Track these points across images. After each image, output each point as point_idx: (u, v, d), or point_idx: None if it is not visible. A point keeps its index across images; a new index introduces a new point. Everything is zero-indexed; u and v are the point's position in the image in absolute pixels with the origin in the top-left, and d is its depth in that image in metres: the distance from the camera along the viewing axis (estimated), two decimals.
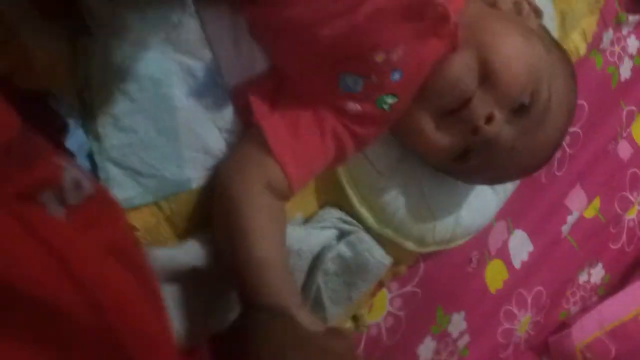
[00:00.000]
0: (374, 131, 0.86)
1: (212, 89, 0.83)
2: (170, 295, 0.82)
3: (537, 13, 0.91)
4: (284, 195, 0.83)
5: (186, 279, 0.83)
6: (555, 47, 0.91)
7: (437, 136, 0.85)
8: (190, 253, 0.83)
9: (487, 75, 0.81)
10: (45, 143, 0.54)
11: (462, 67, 0.81)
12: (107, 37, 0.73)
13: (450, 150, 0.86)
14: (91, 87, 0.76)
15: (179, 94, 0.80)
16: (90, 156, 0.77)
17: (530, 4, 0.92)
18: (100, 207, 0.56)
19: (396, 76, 0.80)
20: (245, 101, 0.83)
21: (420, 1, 0.77)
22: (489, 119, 0.82)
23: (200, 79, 0.82)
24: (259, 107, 0.83)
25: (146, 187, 0.81)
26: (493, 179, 0.99)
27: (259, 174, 0.81)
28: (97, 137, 0.77)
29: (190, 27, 0.80)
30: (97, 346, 0.47)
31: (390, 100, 0.82)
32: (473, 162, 0.88)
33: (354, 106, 0.82)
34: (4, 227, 0.45)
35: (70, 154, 0.75)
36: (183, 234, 0.84)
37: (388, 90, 0.81)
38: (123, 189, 0.79)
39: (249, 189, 0.80)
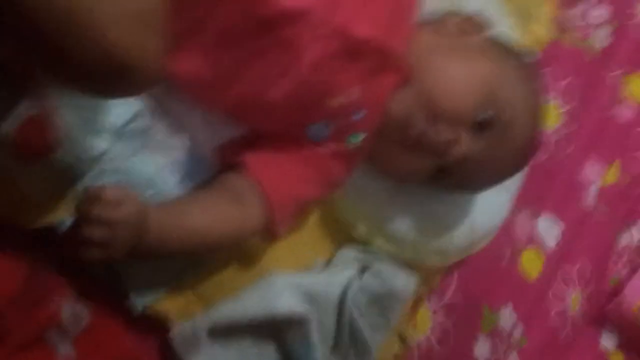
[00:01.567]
0: (352, 164, 0.93)
1: (198, 171, 0.92)
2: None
3: (483, 26, 0.97)
4: (255, 206, 0.87)
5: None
6: (509, 54, 0.96)
7: (408, 164, 0.92)
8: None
9: (433, 108, 0.87)
10: (49, 281, 0.63)
11: (407, 105, 0.87)
12: (91, 162, 0.83)
13: (425, 173, 0.92)
14: None
15: (172, 184, 0.89)
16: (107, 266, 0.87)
17: (475, 19, 0.97)
18: (100, 328, 0.65)
19: (359, 115, 0.87)
20: (222, 155, 0.91)
21: (354, 42, 0.82)
22: (452, 142, 0.88)
23: (186, 164, 0.91)
24: (234, 150, 0.90)
25: (169, 275, 0.91)
26: (480, 187, 1.03)
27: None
28: None
29: (159, 127, 0.89)
30: None
31: (359, 137, 0.89)
32: (452, 179, 0.93)
33: (327, 147, 0.90)
34: None
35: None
36: (212, 303, 0.93)
37: (355, 129, 0.89)
38: (146, 290, 0.89)
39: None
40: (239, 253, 0.95)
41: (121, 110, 0.83)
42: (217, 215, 0.85)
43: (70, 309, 0.62)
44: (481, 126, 0.90)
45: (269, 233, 0.91)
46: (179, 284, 0.91)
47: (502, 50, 0.96)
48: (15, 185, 0.78)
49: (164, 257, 0.88)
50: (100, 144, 0.82)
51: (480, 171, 0.95)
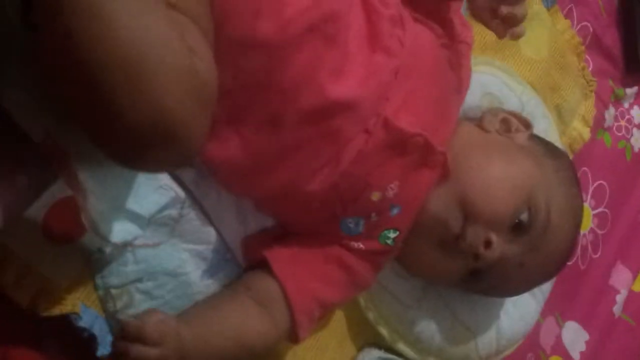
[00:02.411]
0: (381, 265, 0.90)
1: (224, 265, 0.88)
2: None
3: (526, 126, 0.95)
4: (280, 314, 0.85)
5: None
6: (551, 155, 0.94)
7: (441, 264, 0.89)
8: None
9: (470, 209, 0.84)
10: None
11: (443, 205, 0.85)
12: (117, 250, 0.79)
13: (457, 275, 0.89)
14: (112, 295, 0.81)
15: (195, 279, 0.85)
16: None
17: (517, 117, 0.96)
18: None
19: (395, 211, 0.84)
20: (247, 248, 0.88)
21: (399, 136, 0.80)
22: (488, 244, 0.85)
23: (211, 260, 0.87)
24: (260, 244, 0.87)
25: None
26: (514, 292, 1.00)
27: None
28: None
29: (191, 216, 0.85)
30: None
31: (392, 234, 0.86)
32: (486, 282, 0.90)
33: (357, 245, 0.86)
34: None
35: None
36: None
37: (389, 225, 0.85)
38: None
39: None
40: (258, 354, 0.89)
41: (152, 199, 0.80)
42: (246, 322, 0.83)
43: None
44: (518, 229, 0.87)
45: (292, 337, 0.87)
46: None
47: (543, 150, 0.95)
48: (39, 268, 0.74)
49: None
50: (129, 231, 0.78)
51: (515, 275, 0.91)
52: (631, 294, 1.31)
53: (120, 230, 0.78)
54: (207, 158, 0.78)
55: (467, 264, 0.88)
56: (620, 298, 1.29)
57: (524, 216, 0.87)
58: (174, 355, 0.74)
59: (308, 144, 0.77)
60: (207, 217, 0.87)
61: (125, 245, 0.80)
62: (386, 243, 0.87)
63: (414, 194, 0.84)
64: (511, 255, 0.88)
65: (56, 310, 0.76)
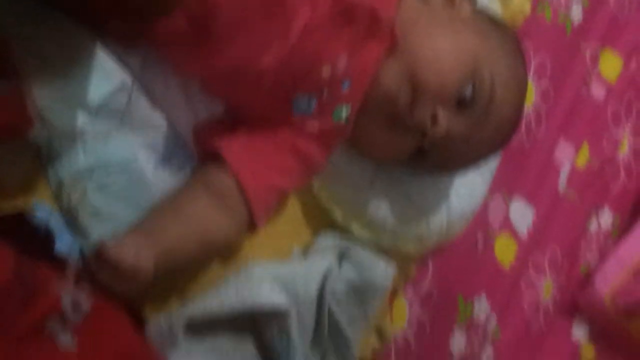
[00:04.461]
0: (332, 147, 0.93)
1: (176, 152, 0.90)
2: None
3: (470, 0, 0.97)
4: (238, 207, 0.87)
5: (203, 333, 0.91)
6: (495, 28, 0.96)
7: (391, 143, 0.92)
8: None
9: (418, 82, 0.87)
10: (40, 270, 0.60)
11: (392, 79, 0.87)
12: (67, 141, 0.79)
13: (406, 153, 0.93)
14: (65, 190, 0.82)
15: (147, 169, 0.87)
16: (82, 254, 0.83)
17: None
18: (100, 317, 0.62)
19: (346, 85, 0.86)
20: (198, 138, 0.90)
21: (346, 6, 0.83)
22: (434, 120, 0.88)
23: (163, 148, 0.89)
24: (212, 135, 0.89)
25: None
26: (461, 167, 1.04)
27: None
28: (83, 234, 0.83)
29: (140, 104, 0.86)
30: None
31: (344, 111, 0.89)
32: (434, 159, 0.94)
33: (311, 126, 0.89)
34: None
35: (62, 259, 0.82)
36: (188, 296, 0.91)
37: (341, 100, 0.88)
38: None
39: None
40: None
41: (99, 86, 0.81)
42: (209, 229, 0.86)
43: (70, 297, 0.59)
44: (463, 103, 0.90)
45: (250, 227, 0.90)
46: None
47: (488, 23, 0.97)
48: None
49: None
50: (77, 122, 0.79)
51: (461, 150, 0.95)
52: (574, 169, 1.36)
53: (68, 119, 0.78)
54: (155, 35, 0.78)
55: (415, 141, 0.91)
56: (564, 173, 1.34)
57: (469, 90, 0.89)
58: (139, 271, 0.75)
59: (254, 18, 0.79)
60: (156, 103, 0.87)
61: (75, 136, 0.80)
62: (339, 121, 0.89)
63: (363, 67, 0.86)
64: (457, 131, 0.91)
65: (9, 208, 0.76)
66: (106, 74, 0.81)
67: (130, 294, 0.79)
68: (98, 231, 0.84)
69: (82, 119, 0.81)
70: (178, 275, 0.90)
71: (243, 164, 0.87)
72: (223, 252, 0.94)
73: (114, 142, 0.85)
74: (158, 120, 0.88)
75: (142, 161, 0.87)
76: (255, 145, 0.88)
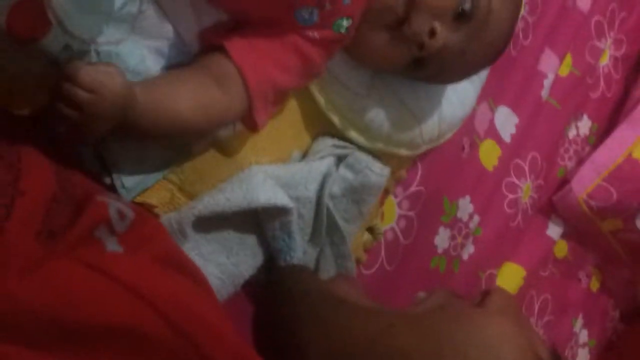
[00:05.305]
0: (333, 52, 0.95)
1: (182, 60, 0.90)
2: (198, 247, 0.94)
3: None
4: (238, 93, 0.88)
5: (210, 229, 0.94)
6: None
7: (388, 51, 0.94)
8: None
9: None
10: (83, 180, 0.63)
11: None
12: (81, 47, 0.81)
13: (403, 62, 0.95)
14: None
15: (156, 73, 0.88)
16: (98, 155, 0.86)
17: None
18: (143, 226, 0.66)
19: None
20: (204, 38, 0.90)
21: None
22: (432, 34, 0.90)
23: (169, 55, 0.90)
24: (217, 33, 0.90)
25: (153, 167, 0.91)
26: (455, 79, 1.07)
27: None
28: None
29: (149, 13, 0.87)
30: (172, 349, 0.57)
31: (345, 22, 0.90)
32: (429, 70, 0.97)
33: (312, 34, 0.90)
34: (71, 273, 0.55)
35: (79, 160, 0.85)
36: (196, 196, 0.94)
37: (342, 13, 0.89)
38: (133, 176, 0.89)
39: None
40: (220, 146, 0.95)
41: None
42: (202, 96, 0.86)
43: (116, 206, 0.62)
44: (460, 17, 0.92)
45: (249, 122, 0.91)
46: (164, 176, 0.91)
47: None
48: (6, 70, 0.76)
49: (150, 141, 0.88)
50: (93, 27, 0.80)
51: (456, 62, 0.98)
52: (557, 78, 1.40)
53: (85, 26, 0.80)
54: None
55: (412, 52, 0.94)
56: (547, 82, 1.38)
57: (467, 5, 0.91)
58: (109, 109, 0.75)
59: None
60: (165, 13, 0.89)
61: (90, 42, 0.82)
62: (340, 31, 0.91)
63: None
64: (453, 44, 0.93)
65: (28, 110, 0.78)
66: None
67: (97, 127, 0.76)
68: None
69: (97, 25, 0.82)
70: (184, 175, 0.93)
71: (245, 56, 0.88)
72: (221, 139, 0.94)
73: (125, 48, 0.86)
74: (166, 30, 0.89)
75: (150, 66, 0.88)
76: (258, 41, 0.89)
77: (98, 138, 0.80)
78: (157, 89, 0.83)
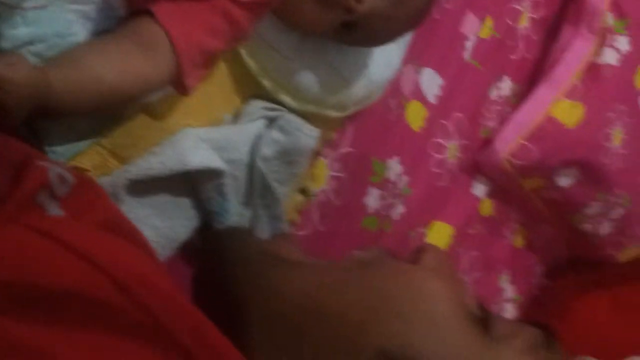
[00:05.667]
0: (260, 15, 0.96)
1: (110, 25, 0.90)
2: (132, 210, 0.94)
3: None
4: (165, 57, 0.87)
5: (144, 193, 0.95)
6: None
7: (316, 15, 0.95)
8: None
9: None
10: (20, 145, 0.62)
11: None
12: (6, 12, 0.80)
13: (331, 26, 0.97)
14: None
15: (82, 39, 0.88)
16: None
17: None
18: (84, 190, 0.66)
19: None
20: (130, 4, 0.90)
21: None
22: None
23: (97, 20, 0.90)
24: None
25: (83, 131, 0.90)
26: (381, 42, 1.09)
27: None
28: None
29: None
30: (130, 320, 0.57)
31: None
32: (357, 34, 0.99)
33: None
34: (21, 239, 0.54)
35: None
36: (128, 160, 0.94)
37: None
38: (64, 140, 0.89)
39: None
40: (150, 110, 0.95)
41: None
42: (128, 66, 0.85)
43: (56, 171, 0.62)
44: None
45: (179, 85, 0.91)
46: (95, 141, 0.91)
47: None
48: None
49: (79, 114, 0.87)
50: None
51: (383, 27, 1.00)
52: (479, 40, 1.43)
53: None
54: None
55: (340, 16, 0.95)
56: (469, 44, 1.40)
57: None
58: (17, 100, 0.73)
59: None
60: None
61: (16, 6, 0.81)
62: None
63: None
64: (379, 9, 0.95)
65: None
66: None
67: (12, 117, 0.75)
68: None
69: None
70: (115, 139, 0.93)
71: (173, 20, 0.87)
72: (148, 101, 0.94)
73: (51, 12, 0.85)
74: None
75: (77, 31, 0.87)
76: (186, 4, 0.89)
77: (20, 121, 0.78)
78: (77, 66, 0.82)
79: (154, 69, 0.87)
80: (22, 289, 0.53)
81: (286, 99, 1.08)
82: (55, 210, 0.60)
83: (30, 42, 0.84)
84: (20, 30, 0.83)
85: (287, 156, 1.06)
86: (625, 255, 1.75)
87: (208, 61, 0.95)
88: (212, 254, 1.00)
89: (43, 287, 0.53)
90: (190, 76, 0.91)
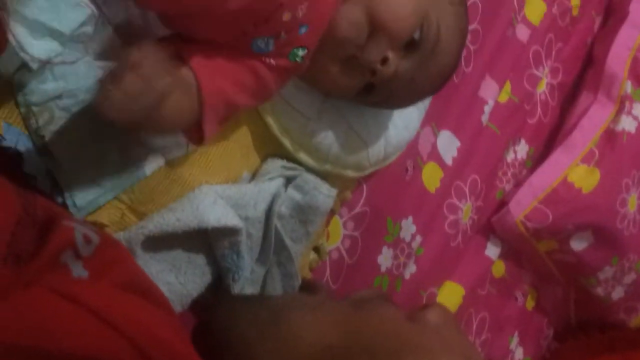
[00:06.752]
0: (287, 78, 0.95)
1: None
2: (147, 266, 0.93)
3: None
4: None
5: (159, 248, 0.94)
6: None
7: (341, 78, 0.95)
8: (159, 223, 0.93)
9: (376, 25, 0.90)
10: (44, 202, 0.62)
11: (351, 21, 0.90)
12: (37, 67, 0.81)
13: (355, 88, 0.97)
14: (33, 113, 0.84)
15: None
16: (50, 174, 0.86)
17: None
18: (108, 251, 0.66)
19: (303, 30, 0.88)
20: None
21: None
22: (384, 62, 0.92)
23: None
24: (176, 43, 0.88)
25: (105, 187, 0.90)
26: (403, 104, 1.10)
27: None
28: (51, 157, 0.85)
29: (105, 33, 0.87)
30: None
31: (301, 52, 0.91)
32: (379, 95, 0.99)
33: (269, 61, 0.90)
34: (46, 303, 0.54)
35: (30, 178, 0.84)
36: (145, 216, 0.94)
37: (298, 43, 0.90)
38: (85, 195, 0.89)
39: None
40: (171, 166, 0.95)
41: (73, 15, 0.81)
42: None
43: (81, 231, 0.62)
44: (411, 46, 0.94)
45: (196, 132, 0.89)
46: (115, 196, 0.91)
47: None
48: None
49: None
50: (51, 48, 0.80)
51: (405, 89, 1.00)
52: (497, 104, 1.43)
53: (43, 46, 0.80)
54: None
55: (364, 79, 0.95)
56: (487, 108, 1.41)
57: (417, 33, 0.93)
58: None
59: None
60: (119, 34, 0.89)
61: (47, 63, 0.81)
62: (295, 60, 0.91)
63: (321, 13, 0.88)
64: (403, 71, 0.95)
65: None
66: (77, 4, 0.82)
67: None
68: (64, 153, 0.86)
69: (53, 47, 0.82)
70: (134, 195, 0.92)
71: (203, 66, 0.86)
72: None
73: (79, 67, 0.86)
74: (118, 49, 0.90)
75: None
76: (217, 56, 0.88)
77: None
78: None
79: (186, 105, 0.86)
80: (46, 354, 0.52)
81: (305, 158, 1.08)
82: (79, 270, 0.59)
83: (59, 97, 0.85)
84: (48, 85, 0.84)
85: (303, 215, 1.06)
86: (637, 320, 1.74)
87: (229, 115, 0.95)
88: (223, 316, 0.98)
89: (66, 352, 0.53)
90: (210, 124, 0.89)
